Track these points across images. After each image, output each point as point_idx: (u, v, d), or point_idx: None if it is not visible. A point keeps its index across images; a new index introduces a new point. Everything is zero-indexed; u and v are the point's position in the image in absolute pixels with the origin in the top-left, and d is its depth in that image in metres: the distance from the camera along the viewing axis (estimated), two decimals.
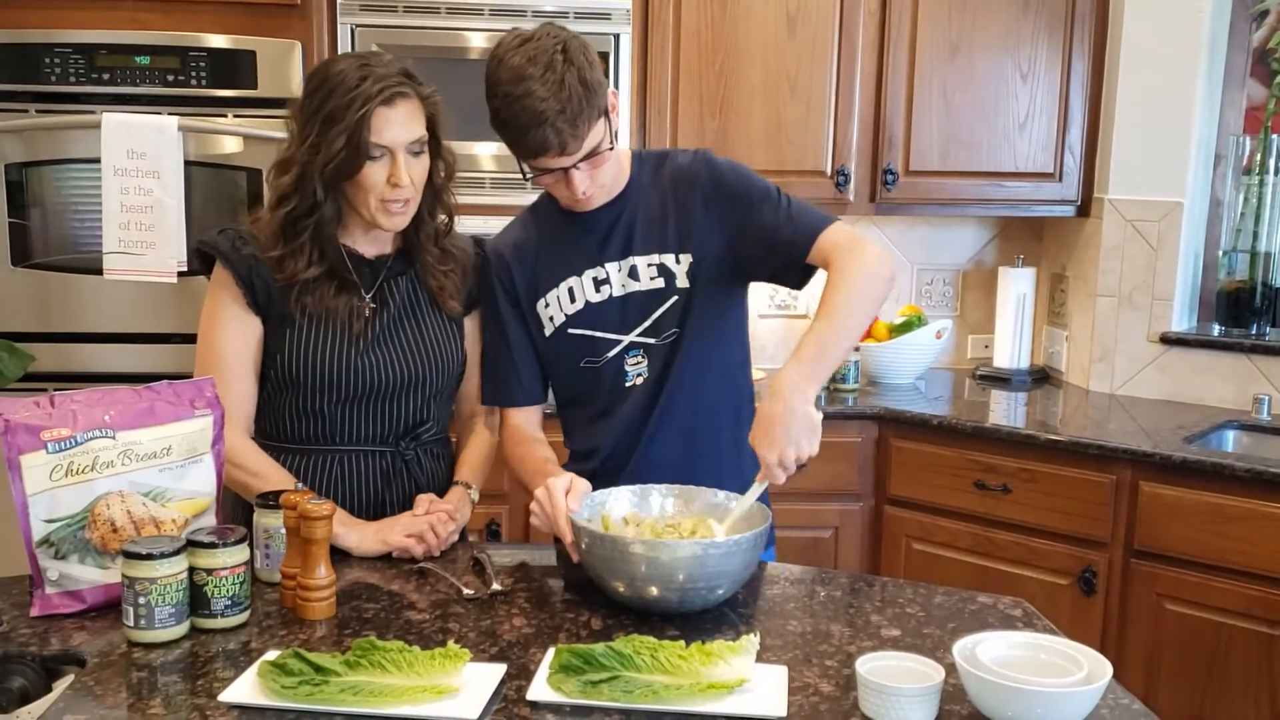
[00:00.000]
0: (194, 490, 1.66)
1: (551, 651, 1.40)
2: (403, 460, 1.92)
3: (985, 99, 3.26)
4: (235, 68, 2.82)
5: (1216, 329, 3.25)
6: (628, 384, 1.91)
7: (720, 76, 3.19)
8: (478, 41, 3.02)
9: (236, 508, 1.87)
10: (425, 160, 1.82)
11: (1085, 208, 3.35)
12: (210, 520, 1.68)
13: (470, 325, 2.00)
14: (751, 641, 1.41)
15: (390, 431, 1.91)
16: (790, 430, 1.65)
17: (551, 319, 1.93)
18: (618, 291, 1.89)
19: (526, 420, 2.00)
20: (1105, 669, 1.29)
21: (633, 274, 1.88)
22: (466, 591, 1.67)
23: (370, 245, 1.90)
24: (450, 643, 1.40)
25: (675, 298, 1.88)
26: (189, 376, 1.74)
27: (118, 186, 2.72)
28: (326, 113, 1.74)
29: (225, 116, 2.83)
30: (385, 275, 1.89)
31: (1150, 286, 3.24)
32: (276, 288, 1.82)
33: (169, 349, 2.87)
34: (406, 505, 1.88)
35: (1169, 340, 3.22)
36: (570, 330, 1.91)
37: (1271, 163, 3.17)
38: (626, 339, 1.90)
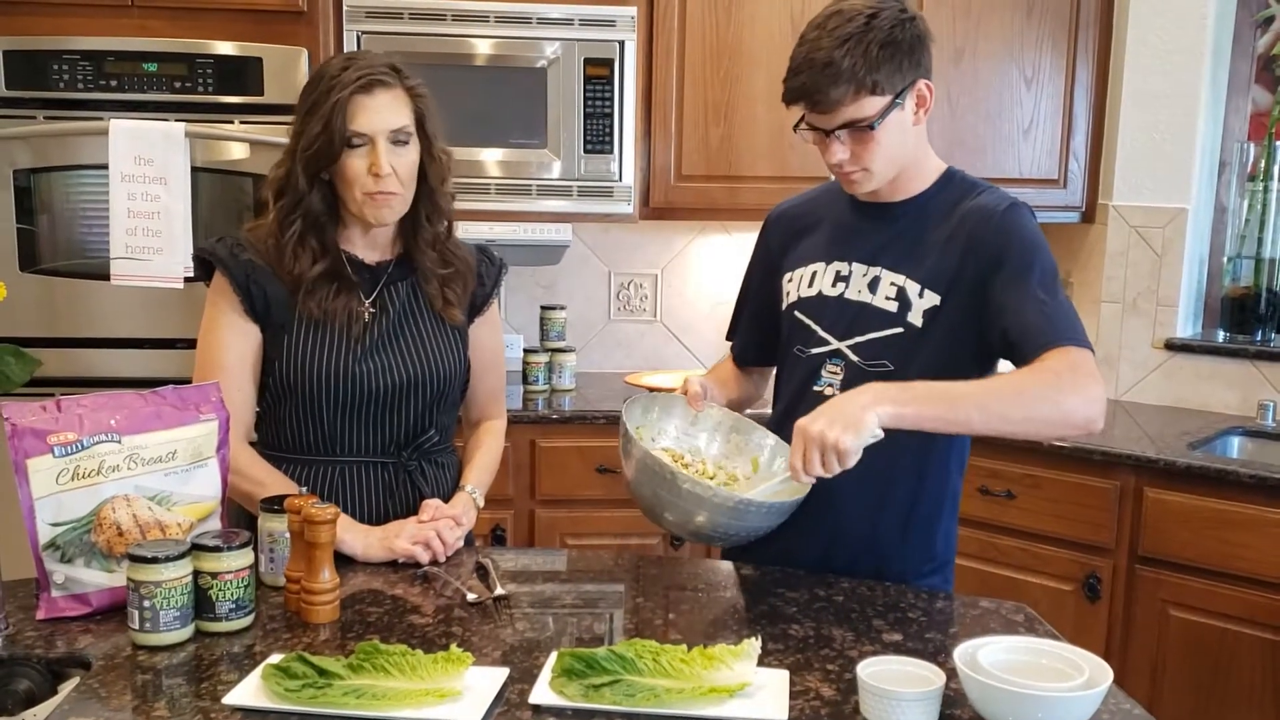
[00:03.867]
0: (199, 494, 1.67)
1: (554, 655, 1.41)
2: (405, 471, 1.92)
3: (989, 104, 3.27)
4: (242, 75, 2.84)
5: (1221, 335, 3.25)
6: (816, 388, 1.80)
7: (725, 83, 3.20)
8: (483, 48, 3.03)
9: (240, 516, 1.87)
10: (411, 152, 1.81)
11: (1089, 214, 3.35)
12: (215, 524, 1.68)
13: (476, 333, 2.00)
14: (753, 645, 1.41)
15: (391, 441, 1.91)
16: (833, 415, 1.52)
17: (788, 295, 1.88)
18: (851, 294, 1.80)
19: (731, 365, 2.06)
20: (1106, 674, 1.29)
21: (873, 285, 1.78)
22: (470, 596, 1.67)
23: (370, 251, 1.90)
24: (453, 646, 1.41)
25: (899, 330, 1.75)
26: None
27: (125, 192, 2.73)
28: (309, 103, 1.78)
29: (232, 123, 2.84)
30: (385, 281, 1.89)
31: (1155, 293, 3.24)
32: (275, 294, 1.83)
33: (175, 354, 2.88)
34: (410, 516, 1.88)
35: (1173, 346, 3.22)
36: (796, 313, 1.86)
37: (1276, 169, 3.17)
38: (835, 344, 1.80)
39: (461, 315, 1.94)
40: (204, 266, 1.88)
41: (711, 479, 1.79)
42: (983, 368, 1.80)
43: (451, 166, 1.91)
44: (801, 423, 1.55)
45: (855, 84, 1.64)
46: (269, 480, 1.82)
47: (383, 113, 1.77)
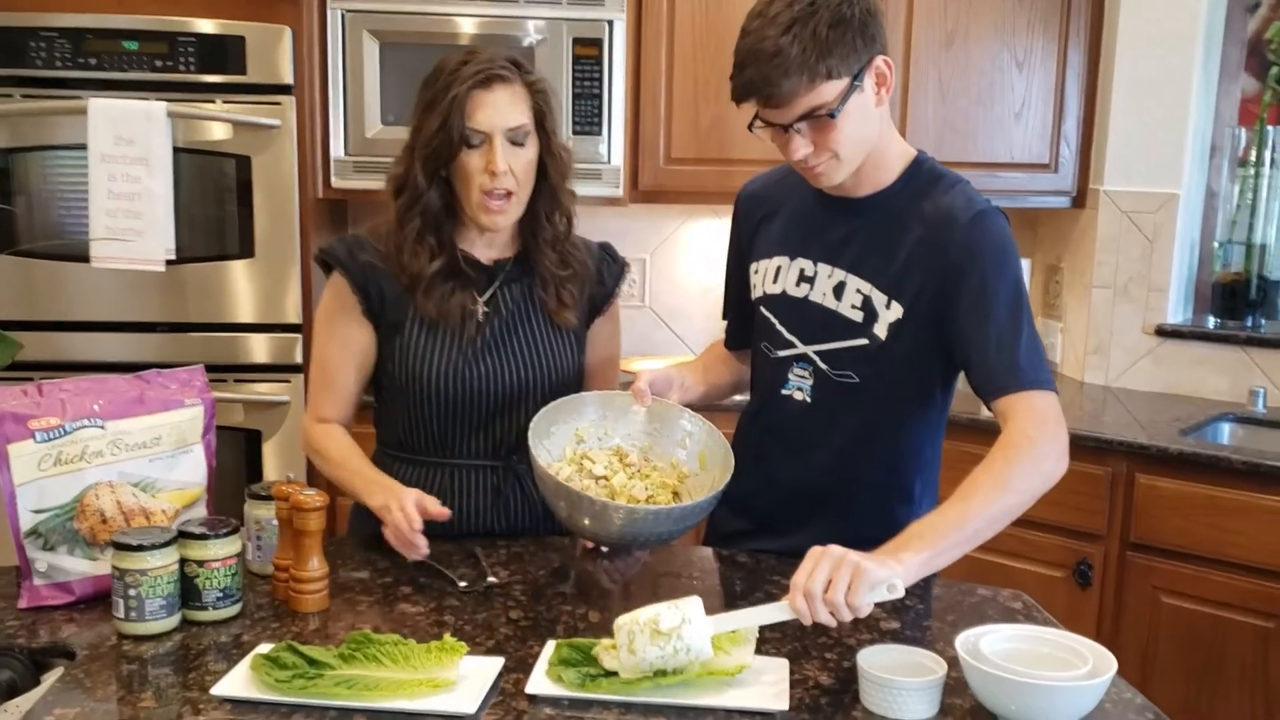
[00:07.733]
0: (184, 481, 1.64)
1: (551, 645, 1.40)
2: (515, 475, 1.87)
3: (981, 88, 3.24)
4: (224, 53, 2.79)
5: (1212, 321, 3.25)
6: (784, 391, 1.76)
7: (715, 63, 3.15)
8: (467, 27, 2.99)
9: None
10: (529, 151, 1.75)
11: (1080, 199, 3.34)
12: (201, 511, 1.66)
13: (594, 332, 1.95)
14: (751, 632, 1.40)
15: (502, 444, 1.86)
16: (852, 565, 1.34)
17: (755, 286, 1.82)
18: (815, 297, 1.72)
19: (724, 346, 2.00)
20: (1110, 663, 1.28)
21: (838, 290, 1.70)
22: (461, 584, 1.65)
23: (488, 249, 1.85)
24: (446, 635, 1.38)
25: (864, 341, 1.68)
26: (178, 365, 1.72)
27: (105, 173, 2.69)
28: (427, 99, 1.73)
29: (214, 103, 2.80)
30: (501, 280, 1.84)
31: (1145, 278, 3.23)
32: (392, 293, 1.80)
33: (157, 337, 2.85)
34: (516, 520, 1.88)
35: (1164, 332, 3.21)
36: (762, 309, 1.80)
37: (1267, 154, 3.17)
38: (802, 348, 1.74)
39: (575, 318, 1.88)
40: (324, 266, 1.86)
41: (647, 478, 1.74)
42: (946, 383, 1.76)
43: (572, 163, 1.84)
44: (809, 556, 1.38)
45: (808, 71, 1.52)
46: (344, 459, 1.80)
47: (501, 109, 1.71)
